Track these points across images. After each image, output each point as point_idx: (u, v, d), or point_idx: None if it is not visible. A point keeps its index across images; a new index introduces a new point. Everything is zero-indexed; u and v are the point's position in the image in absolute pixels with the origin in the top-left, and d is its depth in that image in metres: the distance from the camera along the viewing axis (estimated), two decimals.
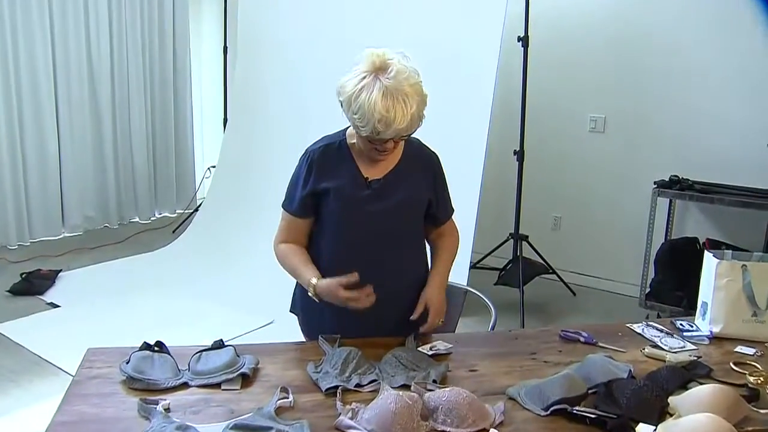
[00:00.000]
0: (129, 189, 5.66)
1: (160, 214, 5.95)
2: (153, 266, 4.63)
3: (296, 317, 2.04)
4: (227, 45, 5.50)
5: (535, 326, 3.77)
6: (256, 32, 4.95)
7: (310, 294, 1.80)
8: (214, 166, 5.44)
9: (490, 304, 2.22)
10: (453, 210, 2.04)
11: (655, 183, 3.73)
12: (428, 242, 2.04)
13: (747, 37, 3.75)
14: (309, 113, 4.43)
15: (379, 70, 1.67)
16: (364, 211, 1.85)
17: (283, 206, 1.93)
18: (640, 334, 1.95)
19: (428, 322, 1.86)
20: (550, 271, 4.13)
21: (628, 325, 2.01)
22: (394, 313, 1.87)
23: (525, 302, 3.78)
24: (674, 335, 1.93)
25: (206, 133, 6.32)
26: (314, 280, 1.79)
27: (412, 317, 1.86)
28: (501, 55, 3.60)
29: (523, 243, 4.02)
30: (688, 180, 3.65)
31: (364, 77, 1.67)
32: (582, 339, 1.89)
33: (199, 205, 5.41)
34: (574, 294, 4.28)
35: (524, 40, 3.76)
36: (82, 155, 5.26)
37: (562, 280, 4.27)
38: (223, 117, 5.60)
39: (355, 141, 1.85)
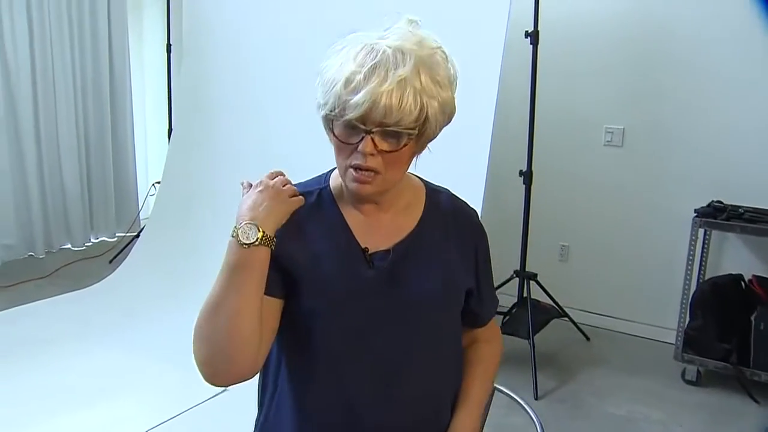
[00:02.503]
0: (58, 211, 4.81)
1: (97, 238, 5.11)
2: (81, 310, 3.81)
3: None
4: (171, 42, 4.70)
5: (550, 383, 3.11)
6: (205, 27, 4.20)
7: (247, 241, 1.03)
8: (159, 182, 4.67)
9: (532, 413, 1.53)
10: (497, 304, 1.34)
11: (696, 211, 3.08)
12: None
13: None
14: (268, 122, 3.80)
15: (376, 35, 1.07)
16: (363, 308, 1.12)
17: None
18: None
19: None
20: (563, 315, 3.46)
21: None
22: None
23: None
24: None
25: (150, 145, 5.50)
26: (238, 225, 1.06)
27: None
28: (504, 57, 2.93)
29: (531, 282, 3.34)
30: (738, 208, 3.02)
31: (352, 44, 1.06)
32: None
33: (143, 227, 4.63)
34: (588, 338, 3.62)
35: (533, 36, 3.08)
36: None
37: (573, 322, 3.60)
38: (167, 126, 4.80)
39: (342, 186, 1.15)
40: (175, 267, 4.08)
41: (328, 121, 1.08)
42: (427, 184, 1.25)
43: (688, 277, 3.16)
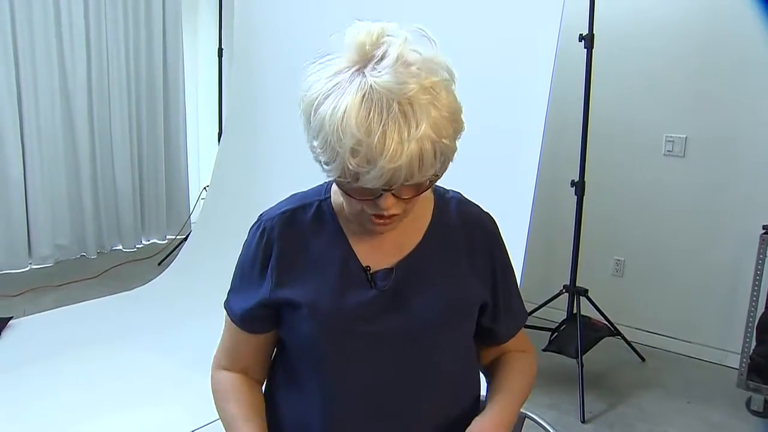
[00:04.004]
0: (111, 213, 4.89)
1: (148, 241, 5.18)
2: (127, 311, 3.85)
3: None
4: (222, 47, 4.71)
5: (599, 406, 2.93)
6: (254, 31, 4.21)
7: None
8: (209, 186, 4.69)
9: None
10: (525, 317, 1.21)
11: (764, 227, 2.85)
12: (484, 370, 1.21)
13: None
14: None
15: (368, 60, 0.90)
16: (364, 332, 1.02)
17: (224, 306, 1.13)
18: None
19: None
20: (615, 333, 3.27)
21: None
22: None
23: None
24: None
25: (202, 148, 5.55)
26: None
27: None
28: (557, 60, 2.78)
29: (581, 298, 3.17)
30: None
31: (340, 72, 0.90)
32: None
33: (191, 231, 4.65)
34: (643, 359, 3.41)
35: (588, 40, 2.92)
36: (53, 175, 4.51)
37: (627, 341, 3.40)
38: (218, 130, 4.82)
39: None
40: (221, 271, 4.03)
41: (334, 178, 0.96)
42: (436, 189, 1.13)
43: (755, 298, 2.92)
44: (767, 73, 3.13)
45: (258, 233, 1.09)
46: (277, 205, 1.11)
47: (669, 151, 3.43)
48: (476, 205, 1.16)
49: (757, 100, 3.18)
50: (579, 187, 3.05)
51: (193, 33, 5.35)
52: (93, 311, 3.85)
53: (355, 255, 1.05)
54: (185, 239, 4.65)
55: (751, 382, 2.88)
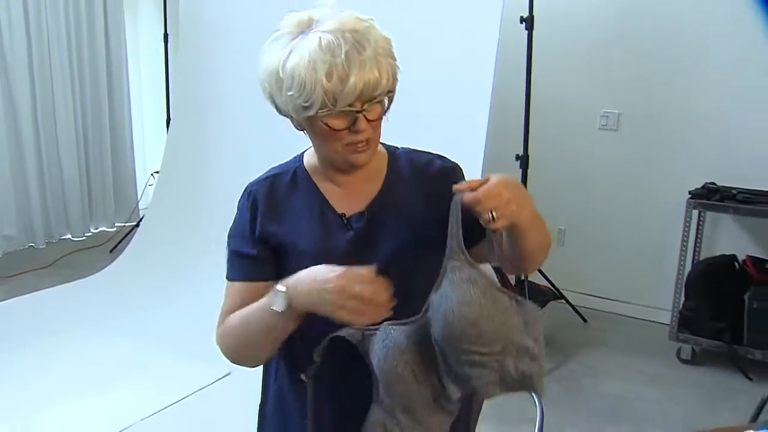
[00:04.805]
0: (58, 201, 4.84)
1: (97, 229, 5.14)
2: (82, 299, 3.85)
3: None
4: (168, 32, 4.70)
5: (547, 364, 3.14)
6: (200, 15, 4.21)
7: (276, 309, 1.06)
8: (158, 172, 4.69)
9: (535, 398, 1.58)
10: None
11: (690, 193, 3.12)
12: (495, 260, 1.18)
13: None
14: (265, 107, 3.75)
15: (310, 26, 1.10)
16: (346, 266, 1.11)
17: (228, 278, 1.23)
18: None
19: (484, 191, 1.01)
20: (560, 297, 3.51)
21: None
22: None
23: None
24: None
25: (148, 134, 5.51)
26: (281, 287, 1.07)
27: (455, 187, 1.05)
28: (500, 41, 2.95)
29: None
30: (730, 189, 3.06)
31: (290, 41, 1.10)
32: None
33: (143, 217, 4.65)
34: (585, 320, 3.67)
35: (528, 21, 3.10)
36: None
37: (570, 304, 3.64)
38: (166, 115, 4.82)
39: (317, 163, 1.21)
40: (175, 256, 4.10)
41: (314, 120, 1.10)
42: (387, 147, 1.28)
43: (682, 259, 3.20)
44: (694, 55, 3.40)
45: (245, 198, 1.23)
46: (258, 177, 1.26)
47: (603, 125, 3.67)
48: (428, 152, 1.28)
49: (684, 79, 3.45)
50: (523, 160, 3.24)
51: (134, 20, 5.30)
52: (48, 300, 3.83)
53: (330, 204, 1.20)
54: (136, 226, 4.65)
55: (680, 334, 3.17)
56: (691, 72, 3.42)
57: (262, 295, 1.13)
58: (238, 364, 1.20)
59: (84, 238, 4.97)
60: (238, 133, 4.01)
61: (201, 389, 2.89)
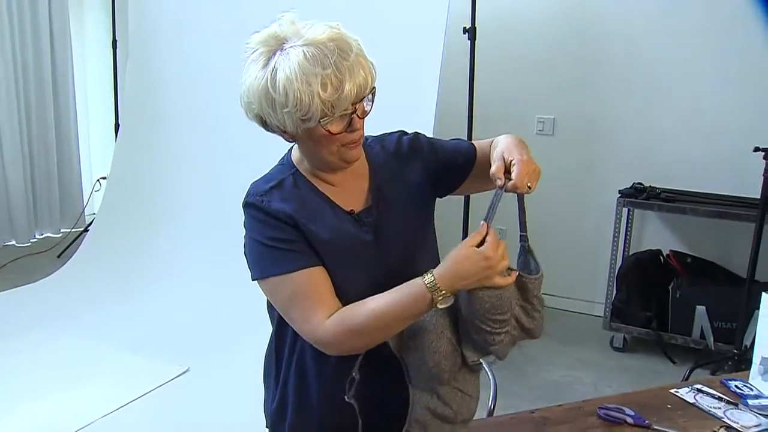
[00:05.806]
0: (2, 207, 4.78)
1: (42, 235, 5.09)
2: (34, 302, 3.84)
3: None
4: (116, 38, 4.72)
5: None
6: (150, 21, 4.26)
7: (442, 306, 1.13)
8: (104, 178, 4.70)
9: (487, 368, 1.74)
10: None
11: (620, 192, 3.38)
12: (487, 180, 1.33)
13: (726, 29, 3.45)
14: (215, 113, 3.82)
15: (283, 42, 1.14)
16: (368, 261, 1.25)
17: (279, 272, 1.20)
18: (693, 404, 1.51)
19: (517, 175, 1.22)
20: None
21: (672, 391, 1.57)
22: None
23: None
24: (738, 405, 1.50)
25: (94, 140, 5.49)
26: (428, 276, 1.13)
27: (492, 170, 1.23)
28: (444, 51, 3.14)
29: None
30: (655, 188, 3.33)
31: (269, 59, 1.14)
32: (630, 420, 1.43)
33: (90, 223, 4.65)
34: None
35: (471, 32, 3.31)
36: None
37: None
38: (114, 121, 4.83)
39: (308, 167, 1.27)
40: (126, 259, 4.12)
41: (313, 129, 1.16)
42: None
43: (614, 254, 3.46)
44: (623, 64, 3.68)
45: (259, 211, 1.21)
46: (251, 191, 1.25)
47: (540, 130, 3.91)
48: (390, 133, 1.40)
49: (614, 87, 3.72)
50: None
51: (81, 25, 5.28)
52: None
53: (337, 204, 1.26)
54: (84, 231, 4.64)
55: (613, 324, 3.42)
56: (618, 79, 3.70)
57: (322, 278, 1.19)
58: (354, 352, 1.21)
59: (29, 244, 4.92)
60: (189, 138, 4.07)
61: (159, 386, 2.92)
